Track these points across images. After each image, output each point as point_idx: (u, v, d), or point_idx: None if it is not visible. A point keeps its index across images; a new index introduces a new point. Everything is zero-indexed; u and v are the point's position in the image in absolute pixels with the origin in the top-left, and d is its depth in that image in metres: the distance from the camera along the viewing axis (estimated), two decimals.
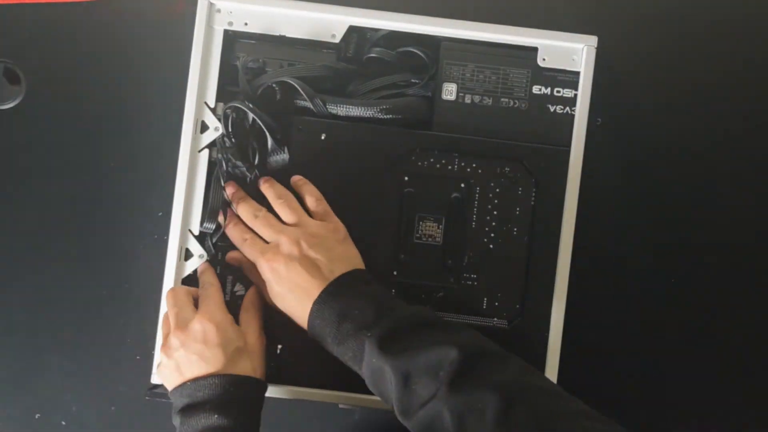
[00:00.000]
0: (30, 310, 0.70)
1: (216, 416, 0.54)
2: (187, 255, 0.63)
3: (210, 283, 0.61)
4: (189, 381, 0.55)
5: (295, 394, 0.61)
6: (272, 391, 0.61)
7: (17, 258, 0.71)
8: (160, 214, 0.69)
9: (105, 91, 0.71)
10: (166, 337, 0.59)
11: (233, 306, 0.61)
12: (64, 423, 0.70)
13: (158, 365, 0.59)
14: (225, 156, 0.62)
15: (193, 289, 0.61)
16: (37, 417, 0.70)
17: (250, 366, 0.57)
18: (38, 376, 0.70)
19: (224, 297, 0.61)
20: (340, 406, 0.62)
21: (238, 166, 0.62)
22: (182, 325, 0.57)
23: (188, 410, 0.55)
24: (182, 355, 0.56)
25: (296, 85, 0.61)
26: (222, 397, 0.54)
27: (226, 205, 0.62)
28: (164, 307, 0.61)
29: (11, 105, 0.70)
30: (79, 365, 0.70)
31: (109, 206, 0.70)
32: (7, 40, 0.71)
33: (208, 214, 0.62)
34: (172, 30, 0.69)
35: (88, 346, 0.70)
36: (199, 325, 0.56)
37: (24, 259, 0.71)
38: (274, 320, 0.60)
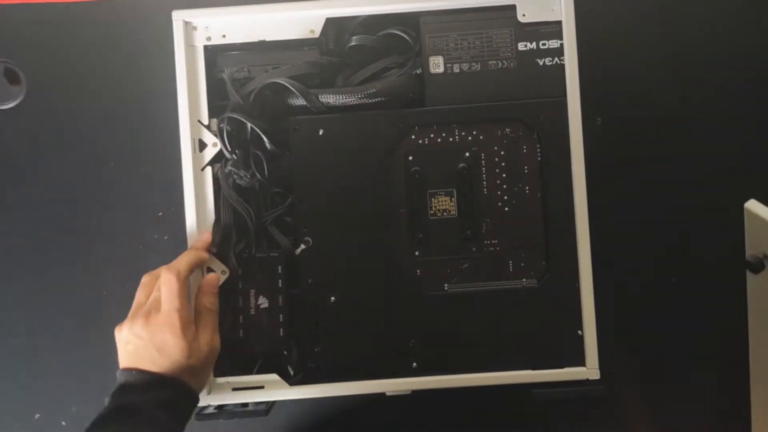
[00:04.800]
0: (30, 310, 0.70)
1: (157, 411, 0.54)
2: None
3: (210, 310, 0.60)
4: (151, 372, 0.55)
5: (339, 389, 0.61)
6: (316, 391, 0.61)
7: (17, 258, 0.71)
8: (160, 213, 0.68)
9: (105, 91, 0.71)
10: (148, 312, 0.57)
11: (258, 319, 0.62)
12: (64, 423, 0.70)
13: (125, 333, 0.57)
14: (227, 169, 0.62)
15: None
16: (37, 417, 0.70)
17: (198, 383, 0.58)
18: (38, 376, 0.70)
19: (249, 311, 0.62)
20: (388, 393, 0.62)
21: (242, 177, 0.62)
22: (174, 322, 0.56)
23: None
24: (147, 346, 0.55)
25: (287, 84, 0.61)
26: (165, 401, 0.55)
27: (238, 220, 0.62)
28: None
29: (11, 105, 0.70)
30: (79, 365, 0.70)
31: (109, 206, 0.70)
32: (7, 40, 0.71)
33: (221, 234, 0.62)
34: (172, 29, 0.68)
35: (88, 346, 0.70)
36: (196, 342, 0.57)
37: (24, 260, 0.71)
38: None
